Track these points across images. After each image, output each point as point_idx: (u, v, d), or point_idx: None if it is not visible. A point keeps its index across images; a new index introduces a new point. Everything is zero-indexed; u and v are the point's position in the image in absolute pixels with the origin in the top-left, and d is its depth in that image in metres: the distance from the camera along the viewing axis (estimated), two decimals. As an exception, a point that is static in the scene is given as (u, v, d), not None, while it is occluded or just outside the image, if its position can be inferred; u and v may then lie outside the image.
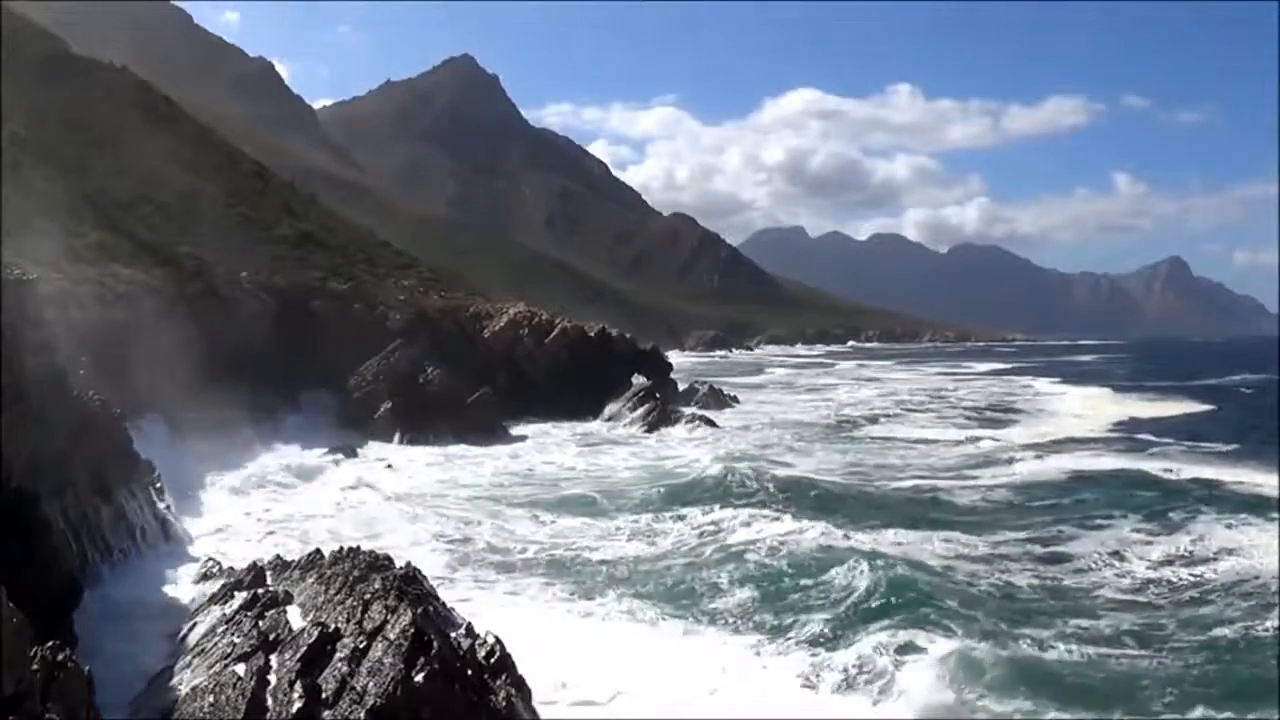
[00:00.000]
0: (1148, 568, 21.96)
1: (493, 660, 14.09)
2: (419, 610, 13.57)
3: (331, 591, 14.93)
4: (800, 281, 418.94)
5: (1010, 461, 38.19)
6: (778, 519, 25.95)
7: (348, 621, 13.53)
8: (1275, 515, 26.03)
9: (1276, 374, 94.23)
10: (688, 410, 52.90)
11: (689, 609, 18.94)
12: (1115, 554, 23.06)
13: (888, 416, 57.50)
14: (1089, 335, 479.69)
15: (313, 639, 13.04)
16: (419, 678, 12.15)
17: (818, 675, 15.59)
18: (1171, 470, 35.26)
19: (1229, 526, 25.46)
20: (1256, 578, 20.66)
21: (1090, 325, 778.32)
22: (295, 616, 14.64)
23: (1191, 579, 20.97)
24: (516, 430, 46.38)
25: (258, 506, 28.26)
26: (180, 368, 30.48)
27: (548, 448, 42.49)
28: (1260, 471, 33.80)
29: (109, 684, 11.75)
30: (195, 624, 15.35)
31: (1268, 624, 17.82)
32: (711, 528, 25.69)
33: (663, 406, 49.21)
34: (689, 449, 41.74)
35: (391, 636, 12.82)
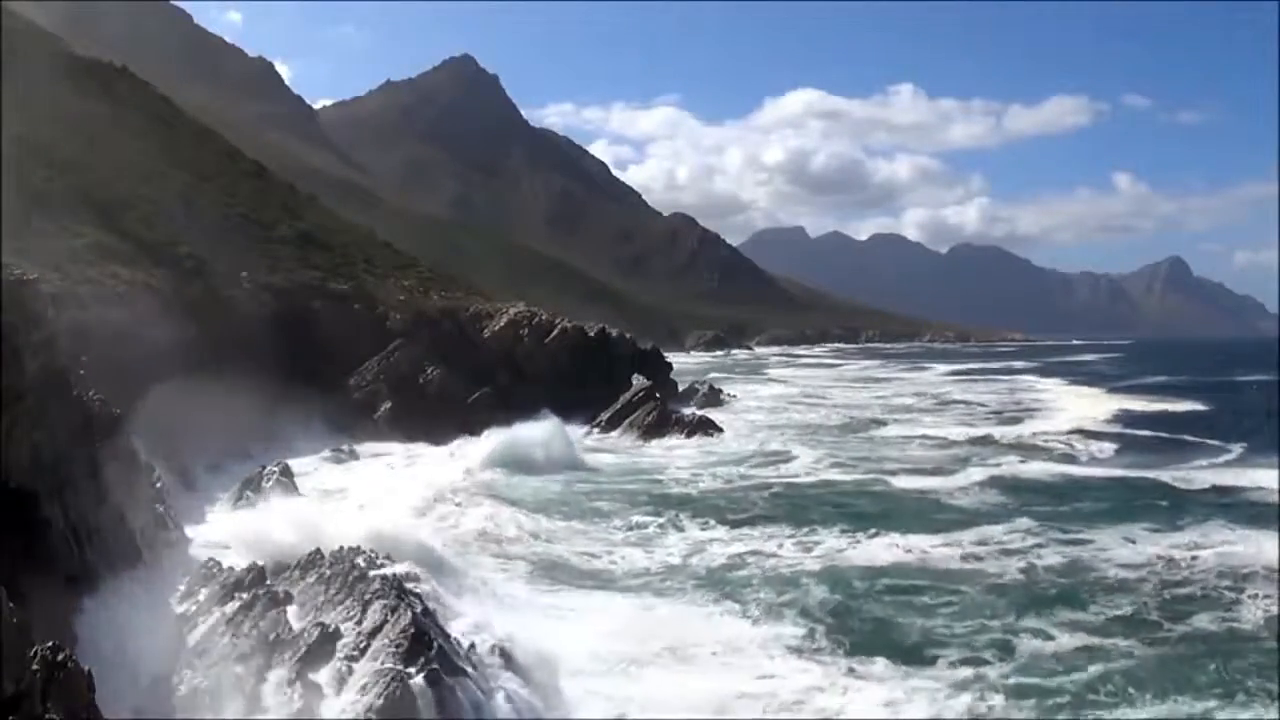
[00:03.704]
0: (1150, 567, 21.99)
1: (495, 656, 14.13)
2: (419, 609, 13.59)
3: (331, 591, 14.94)
4: (800, 281, 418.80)
5: (1015, 461, 38.23)
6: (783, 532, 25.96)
7: (347, 621, 13.56)
8: (1275, 516, 26.06)
9: (1276, 374, 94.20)
10: (688, 411, 52.87)
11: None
12: (1121, 554, 23.09)
13: (889, 417, 57.50)
14: (1089, 335, 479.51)
15: (313, 639, 13.06)
16: (419, 677, 12.18)
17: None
18: (1173, 472, 35.30)
19: (1229, 526, 25.52)
20: (1257, 578, 20.72)
21: (1090, 325, 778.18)
22: (295, 617, 14.64)
23: (1192, 579, 21.00)
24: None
25: (257, 506, 28.22)
26: (180, 368, 30.47)
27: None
28: (1261, 472, 33.78)
29: (109, 684, 11.75)
30: (196, 625, 15.35)
31: (1268, 623, 17.88)
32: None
33: (662, 407, 49.13)
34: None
35: (391, 636, 12.86)
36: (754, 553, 23.50)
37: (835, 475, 35.26)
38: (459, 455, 38.55)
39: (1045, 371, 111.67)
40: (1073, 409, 61.58)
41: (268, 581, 16.50)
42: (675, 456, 40.13)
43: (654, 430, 46.46)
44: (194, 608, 16.29)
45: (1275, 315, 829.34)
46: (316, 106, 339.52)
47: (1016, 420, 55.90)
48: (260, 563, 17.39)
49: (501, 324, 55.07)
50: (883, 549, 23.61)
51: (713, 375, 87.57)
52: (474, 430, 43.85)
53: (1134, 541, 24.31)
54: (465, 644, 13.93)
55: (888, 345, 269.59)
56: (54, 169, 42.86)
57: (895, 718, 14.35)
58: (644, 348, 66.70)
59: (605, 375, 53.41)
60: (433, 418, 44.08)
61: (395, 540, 18.42)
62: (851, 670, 15.98)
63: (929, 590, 20.20)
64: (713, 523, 26.67)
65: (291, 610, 14.85)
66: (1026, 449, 42.49)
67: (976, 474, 35.25)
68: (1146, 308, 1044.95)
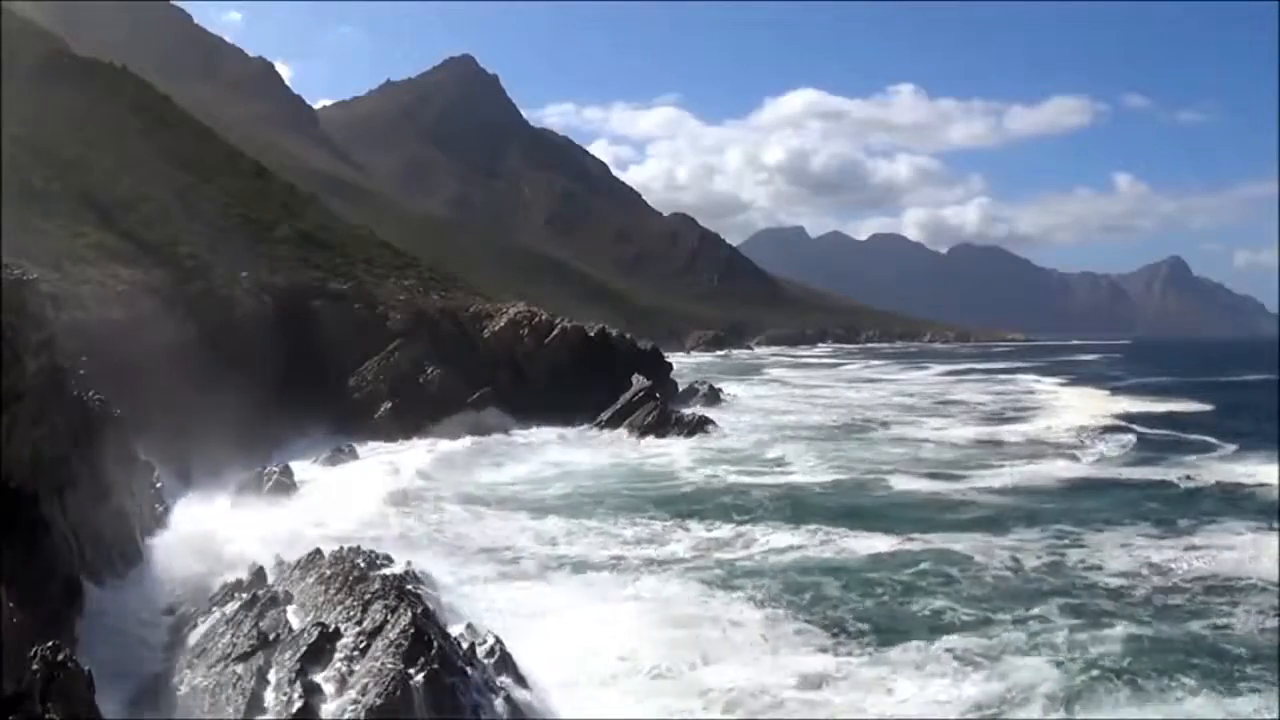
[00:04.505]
0: (1151, 566, 22.00)
1: (494, 658, 14.11)
2: (419, 609, 13.57)
3: (331, 591, 14.92)
4: (800, 281, 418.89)
5: (1016, 461, 38.22)
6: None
7: (347, 621, 13.54)
8: (1275, 515, 26.07)
9: (1276, 374, 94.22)
10: (688, 411, 52.84)
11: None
12: (1122, 553, 23.13)
13: (889, 417, 57.50)
14: (1089, 335, 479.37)
15: (313, 639, 13.04)
16: (419, 677, 12.16)
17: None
18: (1176, 471, 35.33)
19: (1229, 525, 25.53)
20: (1259, 576, 20.74)
21: (1090, 325, 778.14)
22: (295, 616, 14.63)
23: (1193, 578, 21.02)
24: (517, 432, 46.37)
25: (258, 506, 28.23)
26: (180, 367, 30.45)
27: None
28: (1261, 471, 33.78)
29: (109, 684, 11.75)
30: (195, 624, 15.35)
31: (1268, 623, 17.90)
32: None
33: (663, 407, 49.11)
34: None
35: (391, 636, 12.84)
36: (760, 551, 23.56)
37: (837, 475, 35.22)
38: (464, 463, 38.36)
39: (1045, 371, 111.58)
40: (1073, 409, 61.55)
41: (268, 581, 16.51)
42: (676, 456, 40.09)
43: (654, 430, 46.42)
44: (194, 608, 16.29)
45: (1275, 315, 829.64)
46: (316, 106, 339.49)
47: (1017, 420, 55.86)
48: (260, 562, 17.41)
49: (501, 324, 55.07)
50: (886, 548, 23.60)
51: (713, 375, 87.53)
52: (481, 431, 44.11)
53: (1136, 541, 24.33)
54: (465, 645, 13.92)
55: (887, 345, 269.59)
56: (54, 169, 42.86)
57: (908, 717, 14.39)
58: (644, 348, 66.69)
59: (605, 375, 53.36)
60: (433, 417, 44.11)
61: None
62: (867, 667, 16.11)
63: (935, 589, 20.22)
64: (717, 522, 26.69)
65: (291, 610, 14.84)
66: (1027, 449, 42.47)
67: (978, 474, 35.28)
68: (1146, 308, 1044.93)
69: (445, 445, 41.53)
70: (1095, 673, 15.51)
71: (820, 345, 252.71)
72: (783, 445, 43.60)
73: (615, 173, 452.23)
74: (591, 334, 58.66)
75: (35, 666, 8.71)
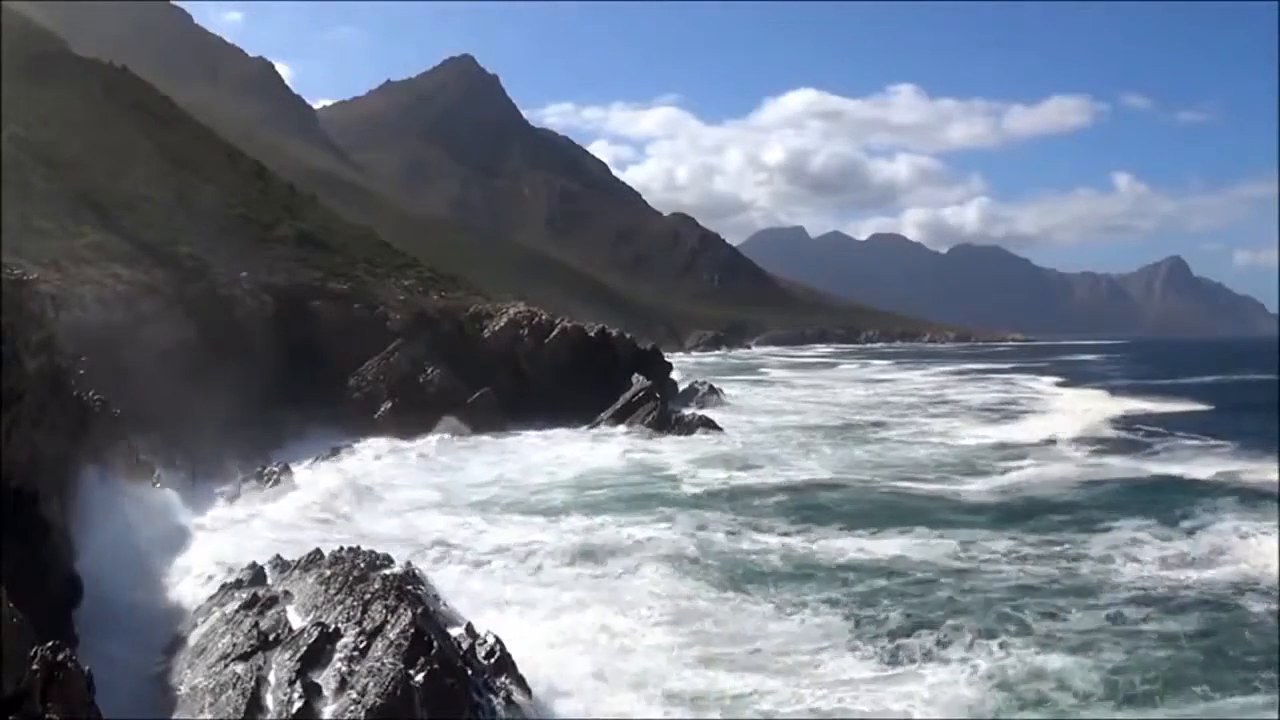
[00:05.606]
0: (1153, 567, 22.01)
1: (493, 659, 14.10)
2: (419, 610, 13.56)
3: (331, 591, 14.90)
4: (800, 281, 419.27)
5: (1017, 461, 38.20)
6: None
7: (347, 621, 13.53)
8: (1276, 514, 26.06)
9: (1276, 374, 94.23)
10: (688, 411, 52.83)
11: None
12: (1125, 553, 23.12)
13: (889, 418, 57.48)
14: (1089, 335, 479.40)
15: (313, 639, 13.03)
16: (419, 677, 12.16)
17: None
18: (1174, 470, 35.30)
19: (1230, 525, 25.51)
20: (1256, 578, 20.74)
21: (1090, 325, 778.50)
22: (295, 616, 14.61)
23: (1195, 578, 21.02)
24: (516, 431, 46.37)
25: (257, 506, 28.21)
26: (179, 368, 30.46)
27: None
28: (1261, 471, 33.77)
29: (109, 684, 11.73)
30: (195, 624, 15.33)
31: (1268, 623, 17.90)
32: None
33: (663, 407, 49.09)
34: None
35: (391, 636, 12.83)
36: (762, 551, 23.51)
37: (837, 476, 35.21)
38: (464, 463, 38.37)
39: (1045, 371, 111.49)
40: (1074, 409, 61.52)
41: (268, 581, 16.50)
42: (676, 456, 40.06)
43: (654, 430, 46.39)
44: (194, 607, 16.28)
45: (1275, 315, 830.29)
46: (316, 106, 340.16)
47: (1017, 420, 55.85)
48: (260, 562, 17.40)
49: (501, 324, 55.05)
50: (889, 548, 23.59)
51: (713, 375, 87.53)
52: (481, 431, 44.17)
53: (1138, 540, 24.29)
54: (465, 645, 13.91)
55: (887, 345, 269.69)
56: (54, 169, 42.86)
57: (915, 717, 14.41)
58: (644, 348, 66.69)
59: (605, 375, 53.37)
60: (433, 417, 44.12)
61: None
62: (872, 666, 16.17)
63: (938, 589, 20.22)
64: (719, 522, 26.64)
65: (291, 610, 14.83)
66: (1028, 449, 42.42)
67: (979, 473, 35.28)
68: (1146, 308, 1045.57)
69: (445, 445, 41.57)
70: (1097, 672, 15.51)
71: (820, 345, 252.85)
72: (783, 445, 43.60)
73: (615, 173, 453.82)
74: (591, 334, 58.64)
75: (35, 666, 8.70)
